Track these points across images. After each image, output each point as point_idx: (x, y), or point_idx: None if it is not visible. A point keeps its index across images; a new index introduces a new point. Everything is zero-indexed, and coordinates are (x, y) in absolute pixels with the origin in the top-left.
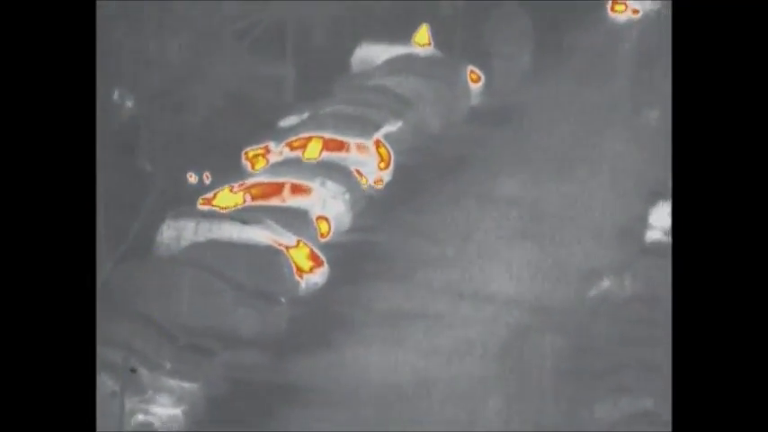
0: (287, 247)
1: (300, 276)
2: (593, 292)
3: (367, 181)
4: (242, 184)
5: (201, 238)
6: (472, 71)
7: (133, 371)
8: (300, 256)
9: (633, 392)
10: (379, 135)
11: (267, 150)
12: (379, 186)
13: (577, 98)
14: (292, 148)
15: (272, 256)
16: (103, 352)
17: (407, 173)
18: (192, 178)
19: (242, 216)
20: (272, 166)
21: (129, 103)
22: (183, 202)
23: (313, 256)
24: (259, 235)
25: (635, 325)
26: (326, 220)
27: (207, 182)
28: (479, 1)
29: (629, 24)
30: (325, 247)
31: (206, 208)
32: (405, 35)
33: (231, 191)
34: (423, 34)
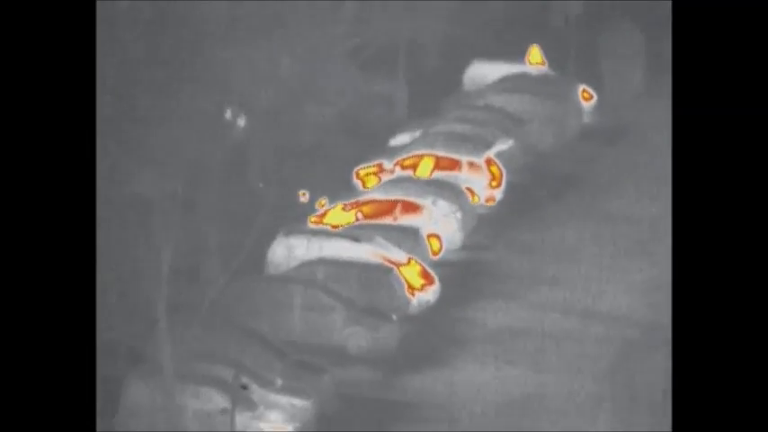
0: (398, 265)
1: (412, 294)
2: None
3: (478, 199)
4: (354, 203)
5: (312, 255)
6: (584, 90)
7: (244, 387)
8: (412, 274)
9: None
10: (490, 153)
11: (380, 169)
12: (491, 204)
13: None
14: (404, 167)
15: (383, 274)
16: (214, 368)
17: (519, 191)
18: (305, 197)
19: (353, 234)
20: (383, 184)
21: (242, 122)
22: (295, 219)
23: (424, 274)
24: (370, 253)
25: None
26: (438, 237)
27: (321, 209)
28: (591, 17)
29: None
30: (437, 265)
31: (317, 226)
32: (517, 53)
33: (343, 209)
34: (536, 54)
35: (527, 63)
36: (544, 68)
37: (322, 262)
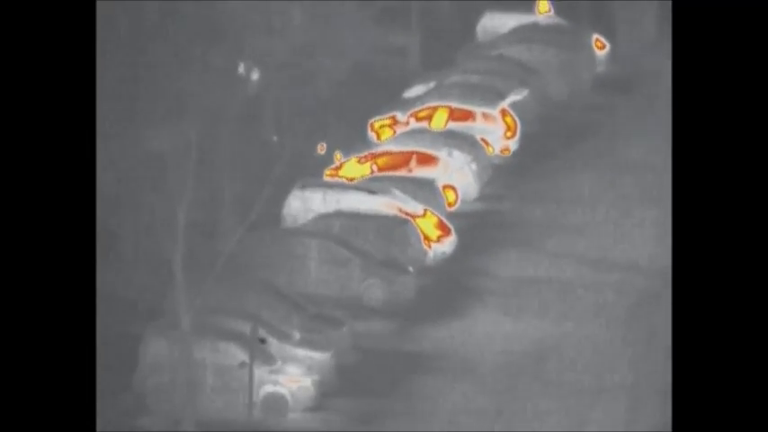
0: (414, 217)
1: (428, 246)
2: None
3: (493, 150)
4: (369, 155)
5: (329, 208)
6: (597, 39)
7: (262, 341)
8: (428, 226)
9: None
10: (505, 104)
11: (394, 121)
12: (506, 155)
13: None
14: (418, 119)
15: (399, 226)
16: (232, 322)
17: (534, 141)
18: (322, 149)
19: (369, 186)
20: (398, 136)
21: (255, 76)
22: (310, 172)
23: (441, 226)
24: (386, 205)
25: None
26: (453, 189)
27: (337, 162)
28: None
29: None
30: (453, 217)
31: (333, 179)
32: (529, 3)
33: (358, 161)
34: (543, 4)
35: (536, 13)
36: (552, 16)
37: (338, 215)
